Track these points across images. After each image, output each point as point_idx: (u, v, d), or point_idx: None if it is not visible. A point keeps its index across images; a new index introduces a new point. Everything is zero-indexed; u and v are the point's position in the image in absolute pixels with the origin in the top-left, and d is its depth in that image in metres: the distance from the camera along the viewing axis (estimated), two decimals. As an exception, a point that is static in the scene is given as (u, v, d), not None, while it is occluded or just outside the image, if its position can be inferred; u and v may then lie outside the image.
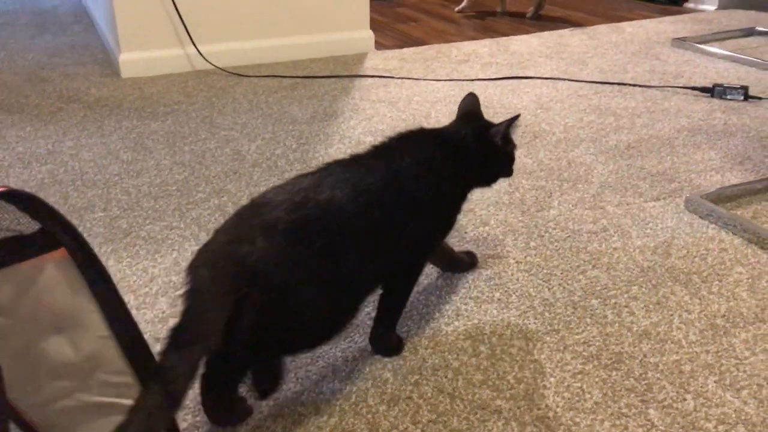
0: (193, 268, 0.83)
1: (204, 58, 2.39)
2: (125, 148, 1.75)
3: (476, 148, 1.03)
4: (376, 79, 2.32)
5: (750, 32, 2.80)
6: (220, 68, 2.40)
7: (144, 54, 2.35)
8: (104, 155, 1.71)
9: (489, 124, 1.06)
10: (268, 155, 1.71)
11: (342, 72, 2.40)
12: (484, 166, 1.06)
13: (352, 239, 0.90)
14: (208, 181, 1.57)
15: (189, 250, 1.28)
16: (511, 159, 1.09)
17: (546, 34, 2.90)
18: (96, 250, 0.76)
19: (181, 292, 0.82)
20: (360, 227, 0.91)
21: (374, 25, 2.84)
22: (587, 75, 2.29)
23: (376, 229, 0.92)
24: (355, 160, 0.99)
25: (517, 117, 1.04)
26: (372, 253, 0.92)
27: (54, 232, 0.71)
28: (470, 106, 1.10)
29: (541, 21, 3.19)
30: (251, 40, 2.49)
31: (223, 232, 0.87)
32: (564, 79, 2.24)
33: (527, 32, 2.96)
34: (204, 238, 1.30)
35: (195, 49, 2.39)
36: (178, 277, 1.18)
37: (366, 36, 2.68)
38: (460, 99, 1.12)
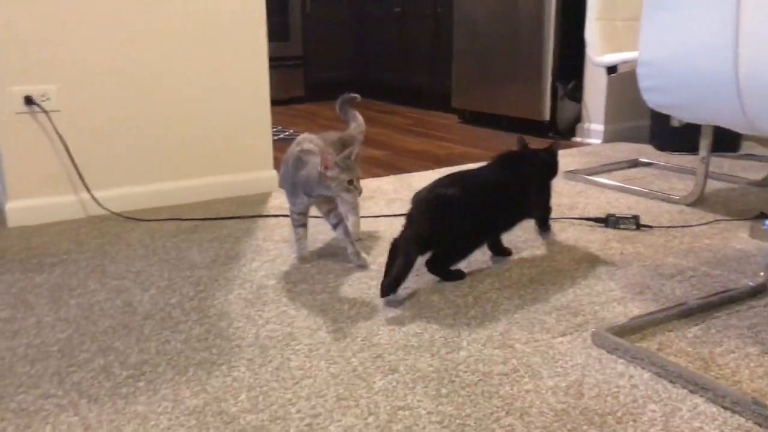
0: (414, 201, 1.71)
1: (98, 204, 2.30)
2: (3, 306, 1.61)
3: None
4: (280, 218, 2.29)
5: (635, 163, 2.99)
6: (116, 213, 2.32)
7: (33, 201, 2.24)
8: (-22, 314, 1.56)
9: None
10: (162, 305, 1.61)
11: (245, 212, 2.36)
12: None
13: (492, 200, 1.77)
14: (94, 338, 1.45)
15: (66, 423, 1.14)
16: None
17: (446, 169, 2.99)
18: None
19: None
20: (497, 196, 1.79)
21: (278, 164, 2.84)
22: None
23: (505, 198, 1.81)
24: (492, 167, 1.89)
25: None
26: (502, 211, 1.82)
27: None
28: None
29: (438, 158, 3.30)
30: (149, 184, 2.43)
31: (427, 187, 1.71)
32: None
33: (429, 168, 3.04)
34: (85, 406, 1.17)
35: (89, 195, 2.30)
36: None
37: (270, 175, 2.67)
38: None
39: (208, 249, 2.00)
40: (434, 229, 1.66)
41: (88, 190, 2.30)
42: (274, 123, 4.24)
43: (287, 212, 2.32)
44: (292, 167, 1.82)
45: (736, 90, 1.16)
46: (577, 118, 3.64)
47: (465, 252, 1.76)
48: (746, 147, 3.22)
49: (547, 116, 3.68)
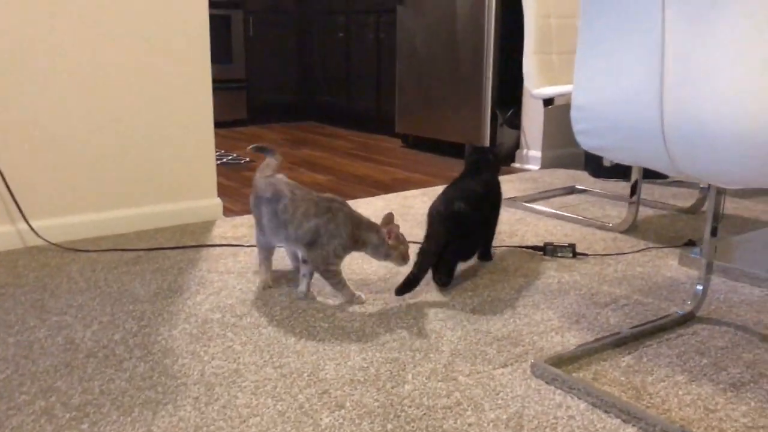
0: (430, 216, 1.97)
1: (36, 234, 2.26)
2: (-64, 344, 1.56)
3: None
4: (225, 248, 2.28)
5: (571, 190, 3.10)
6: (55, 244, 2.27)
7: (-33, 232, 2.18)
8: None
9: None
10: (105, 342, 1.59)
11: (189, 242, 2.35)
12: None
13: (485, 205, 2.04)
14: (34, 378, 1.42)
15: (6, 469, 1.12)
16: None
17: (391, 196, 3.04)
18: None
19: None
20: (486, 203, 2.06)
21: (222, 191, 2.85)
22: (431, 237, 2.40)
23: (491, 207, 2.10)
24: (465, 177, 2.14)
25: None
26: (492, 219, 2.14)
27: None
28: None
29: (382, 184, 3.35)
30: (90, 213, 2.40)
31: (438, 201, 1.98)
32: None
33: (374, 194, 3.09)
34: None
35: (26, 225, 2.25)
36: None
37: (214, 203, 2.66)
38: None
39: (151, 281, 1.98)
40: (452, 241, 1.93)
41: (26, 219, 2.26)
42: (217, 146, 4.22)
43: (231, 242, 2.33)
44: (289, 210, 1.80)
45: (661, 135, 1.24)
46: (516, 145, 3.75)
47: (470, 257, 2.09)
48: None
49: (487, 142, 3.78)
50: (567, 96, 2.58)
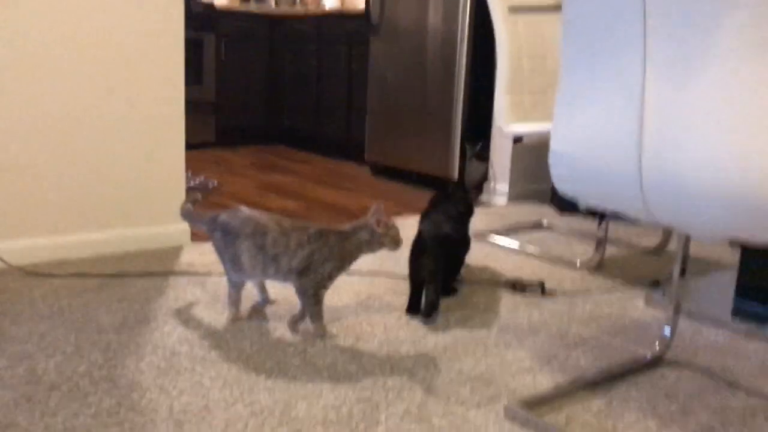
0: (436, 239, 2.04)
1: (-3, 257, 2.19)
2: None
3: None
4: (192, 276, 2.25)
5: (538, 225, 3.13)
6: (16, 267, 2.21)
7: (-76, 253, 2.11)
8: None
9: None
10: (69, 374, 1.54)
11: (156, 268, 2.30)
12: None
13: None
14: (-6, 412, 1.37)
15: None
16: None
17: (360, 226, 3.03)
18: None
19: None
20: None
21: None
22: (402, 270, 2.40)
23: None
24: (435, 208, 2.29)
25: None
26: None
27: None
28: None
29: (351, 212, 3.35)
30: (54, 235, 2.34)
31: (433, 224, 2.11)
32: (381, 275, 2.32)
33: (341, 222, 3.07)
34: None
35: (-13, 247, 2.19)
36: None
37: (181, 229, 2.62)
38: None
39: (117, 310, 1.93)
40: (446, 261, 2.09)
41: (-14, 241, 2.19)
42: (184, 169, 4.17)
43: (199, 270, 2.29)
44: (280, 243, 1.79)
45: (639, 185, 1.27)
46: (485, 177, 3.79)
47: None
48: (639, 212, 3.44)
49: (455, 174, 3.81)
50: (537, 135, 2.62)
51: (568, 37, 1.30)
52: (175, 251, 2.52)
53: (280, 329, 1.85)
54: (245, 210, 1.88)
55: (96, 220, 2.42)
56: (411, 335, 1.85)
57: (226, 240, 1.84)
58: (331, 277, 1.80)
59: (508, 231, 3.01)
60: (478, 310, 2.07)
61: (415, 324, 1.93)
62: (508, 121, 2.69)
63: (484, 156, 3.78)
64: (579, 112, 1.33)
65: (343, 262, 1.80)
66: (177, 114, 2.56)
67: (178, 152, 2.58)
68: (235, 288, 1.91)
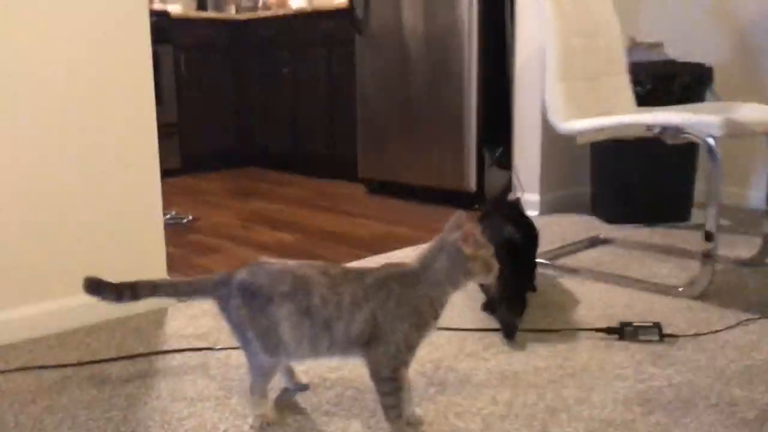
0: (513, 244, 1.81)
1: None
2: None
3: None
4: (188, 353, 1.65)
5: (594, 242, 2.60)
6: (-62, 366, 1.58)
7: None
8: None
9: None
10: None
11: (135, 347, 1.69)
12: None
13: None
14: None
15: None
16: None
17: (382, 258, 2.45)
18: None
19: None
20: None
21: (168, 261, 2.20)
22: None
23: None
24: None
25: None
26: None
27: None
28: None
29: (364, 242, 2.77)
30: (-9, 315, 1.71)
31: (489, 229, 1.71)
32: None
33: (358, 256, 2.50)
34: None
35: None
36: None
37: (162, 285, 2.01)
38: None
39: (88, 422, 1.32)
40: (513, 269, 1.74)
41: None
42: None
43: (194, 343, 1.67)
44: (331, 302, 1.22)
45: None
46: (509, 187, 3.26)
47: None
48: (697, 216, 2.95)
49: (473, 186, 3.27)
50: (601, 131, 2.09)
51: None
52: (158, 317, 1.90)
53: (336, 417, 1.27)
54: (270, 261, 1.30)
55: (49, 285, 1.80)
56: (499, 417, 1.28)
57: (252, 308, 1.24)
58: (409, 345, 1.22)
59: (562, 251, 2.47)
60: (591, 374, 1.51)
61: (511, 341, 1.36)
62: (565, 116, 2.16)
63: (504, 163, 3.24)
64: None
65: (421, 316, 1.22)
66: (149, 140, 1.96)
67: (153, 189, 1.99)
68: (264, 377, 1.31)
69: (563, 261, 2.36)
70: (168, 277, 1.41)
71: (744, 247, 2.46)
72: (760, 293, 2.01)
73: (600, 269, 2.23)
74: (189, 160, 4.67)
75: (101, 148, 1.86)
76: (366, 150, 3.78)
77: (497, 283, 1.68)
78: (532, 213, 3.13)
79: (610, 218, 2.91)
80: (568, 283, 2.13)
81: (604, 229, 2.80)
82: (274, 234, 2.93)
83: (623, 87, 2.43)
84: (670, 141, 1.97)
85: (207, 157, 4.83)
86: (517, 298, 1.77)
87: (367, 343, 1.22)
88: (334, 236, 2.87)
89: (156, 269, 2.00)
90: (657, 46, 2.92)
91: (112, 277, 1.36)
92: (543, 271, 2.24)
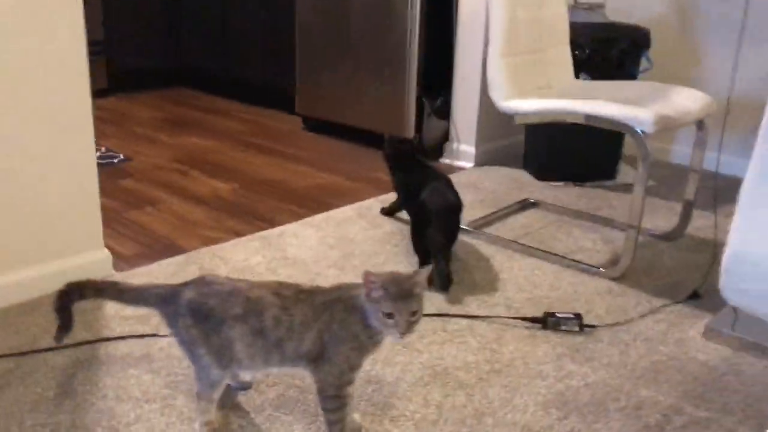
0: (439, 208, 2.03)
1: None
2: None
3: None
4: (132, 341, 1.68)
5: (524, 205, 2.70)
6: None
7: None
8: None
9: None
10: None
11: (76, 332, 1.70)
12: None
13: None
14: None
15: None
16: None
17: (320, 220, 2.49)
18: None
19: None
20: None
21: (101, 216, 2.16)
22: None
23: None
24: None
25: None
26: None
27: None
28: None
29: (304, 196, 2.79)
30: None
31: (441, 193, 2.07)
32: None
33: (296, 215, 2.53)
34: None
35: None
36: None
37: (100, 257, 2.01)
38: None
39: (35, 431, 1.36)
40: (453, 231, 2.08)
41: None
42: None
43: (137, 327, 1.65)
44: (284, 323, 1.26)
45: None
46: (445, 137, 3.29)
47: None
48: (624, 173, 3.08)
49: (411, 133, 3.28)
50: (545, 114, 2.14)
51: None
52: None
53: (279, 423, 1.35)
54: (218, 280, 1.33)
55: (-19, 266, 1.77)
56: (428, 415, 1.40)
57: (203, 329, 1.28)
58: (352, 367, 1.29)
59: (495, 216, 2.56)
60: (516, 371, 1.63)
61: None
62: (508, 95, 2.19)
63: (444, 112, 3.26)
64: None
65: (360, 342, 1.27)
66: (82, 96, 1.89)
67: (87, 152, 1.93)
68: (212, 387, 1.36)
69: (495, 227, 2.46)
70: (113, 281, 1.42)
71: (664, 216, 2.61)
72: (673, 273, 2.16)
73: (528, 240, 2.34)
74: (117, 80, 4.47)
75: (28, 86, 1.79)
76: (303, 85, 3.70)
77: (435, 240, 2.00)
78: (467, 164, 3.20)
79: (541, 174, 3.01)
80: (498, 256, 2.23)
81: (534, 188, 2.90)
82: (210, 183, 2.90)
83: (564, 59, 2.46)
84: (604, 126, 2.04)
85: (136, 77, 4.63)
86: (449, 252, 2.05)
87: (314, 360, 1.28)
88: (270, 187, 2.87)
89: (92, 244, 1.98)
90: (599, 6, 2.93)
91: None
92: (474, 242, 2.34)
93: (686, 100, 2.13)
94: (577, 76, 2.66)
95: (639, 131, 1.94)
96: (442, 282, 1.96)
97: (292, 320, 1.26)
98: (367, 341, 1.27)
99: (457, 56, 3.14)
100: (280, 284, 1.32)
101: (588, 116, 2.03)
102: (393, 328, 1.20)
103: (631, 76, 2.83)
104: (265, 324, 1.26)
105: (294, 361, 1.29)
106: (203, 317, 1.28)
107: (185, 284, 1.34)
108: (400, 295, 1.19)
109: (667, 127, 1.98)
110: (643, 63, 2.85)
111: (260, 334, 1.26)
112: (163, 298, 1.34)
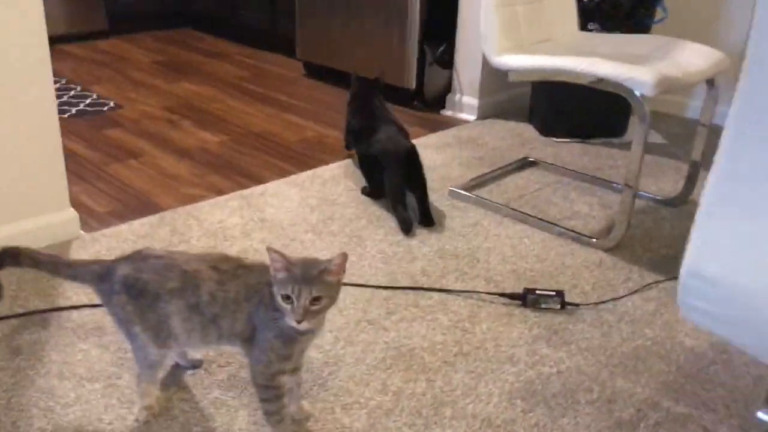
0: (394, 153, 2.09)
1: None
2: None
3: None
4: (86, 311, 1.61)
5: (523, 164, 2.55)
6: None
7: None
8: None
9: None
10: None
11: (24, 301, 1.64)
12: None
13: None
14: None
15: None
16: None
17: (305, 178, 2.38)
18: None
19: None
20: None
21: (77, 167, 2.08)
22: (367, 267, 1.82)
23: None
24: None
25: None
26: None
27: None
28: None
29: (291, 152, 2.67)
30: None
31: (393, 139, 2.13)
32: (353, 284, 1.74)
33: (282, 172, 2.42)
34: None
35: None
36: None
37: (66, 217, 1.93)
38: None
39: (-29, 411, 1.30)
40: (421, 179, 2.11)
41: None
42: (66, 74, 3.30)
43: (93, 297, 1.58)
44: (219, 299, 1.18)
45: None
46: (447, 88, 3.12)
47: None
48: (634, 131, 2.89)
49: (412, 84, 3.12)
50: (536, 71, 1.97)
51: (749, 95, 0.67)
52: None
53: (224, 409, 1.28)
54: (154, 252, 1.24)
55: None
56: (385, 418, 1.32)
57: (139, 305, 1.20)
58: (280, 356, 1.19)
59: (490, 176, 2.42)
60: (485, 354, 1.53)
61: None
62: (501, 49, 2.02)
63: (446, 62, 3.08)
64: (750, 218, 0.72)
65: (283, 332, 1.16)
66: (39, 44, 1.78)
67: (49, 109, 1.83)
68: (152, 368, 1.29)
69: (488, 189, 2.33)
70: (52, 254, 1.33)
71: (671, 178, 2.45)
72: (673, 244, 2.02)
73: (521, 204, 2.21)
74: (117, 21, 4.33)
75: (-18, 80, 1.69)
76: (305, 31, 3.54)
77: (391, 187, 2.07)
78: (470, 117, 3.04)
79: (546, 130, 2.84)
80: (486, 222, 2.11)
81: (537, 145, 2.74)
82: (198, 134, 2.80)
83: (567, 8, 2.26)
84: (600, 87, 1.87)
85: (137, 17, 4.48)
86: (404, 196, 2.09)
87: (247, 341, 1.20)
88: (261, 140, 2.75)
89: (57, 205, 1.90)
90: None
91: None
92: (464, 204, 2.21)
93: (696, 58, 1.95)
94: (585, 27, 2.47)
95: (638, 94, 1.78)
96: (405, 227, 2.01)
97: (226, 296, 1.18)
98: (289, 329, 1.16)
99: (461, 1, 2.94)
100: (222, 257, 1.23)
101: (582, 76, 1.86)
102: (290, 314, 1.11)
103: (645, 26, 2.62)
104: (202, 299, 1.18)
105: (230, 339, 1.21)
106: (138, 293, 1.19)
107: (121, 259, 1.25)
108: (303, 278, 1.09)
109: (670, 88, 1.81)
110: (659, 12, 2.63)
111: (196, 310, 1.18)
112: (98, 275, 1.25)
